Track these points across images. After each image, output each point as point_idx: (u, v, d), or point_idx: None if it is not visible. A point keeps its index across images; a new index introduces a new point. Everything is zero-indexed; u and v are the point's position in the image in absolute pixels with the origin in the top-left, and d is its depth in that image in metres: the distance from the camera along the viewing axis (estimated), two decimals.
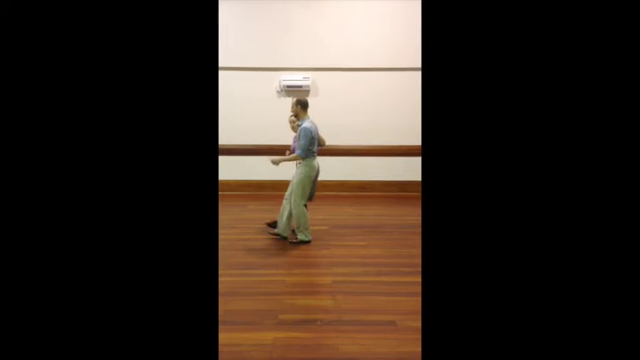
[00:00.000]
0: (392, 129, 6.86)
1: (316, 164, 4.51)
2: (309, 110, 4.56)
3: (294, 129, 4.69)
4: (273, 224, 4.95)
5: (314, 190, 4.70)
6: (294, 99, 4.54)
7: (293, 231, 4.76)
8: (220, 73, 6.66)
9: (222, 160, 6.59)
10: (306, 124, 4.39)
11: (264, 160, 4.75)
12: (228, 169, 6.87)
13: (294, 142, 4.71)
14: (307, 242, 4.53)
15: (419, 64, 6.11)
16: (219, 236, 4.66)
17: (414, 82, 6.65)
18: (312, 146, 4.39)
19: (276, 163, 4.52)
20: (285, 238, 4.62)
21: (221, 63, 6.58)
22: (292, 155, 4.50)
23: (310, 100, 6.76)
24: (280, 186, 6.96)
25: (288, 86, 6.74)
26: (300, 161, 4.49)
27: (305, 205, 4.58)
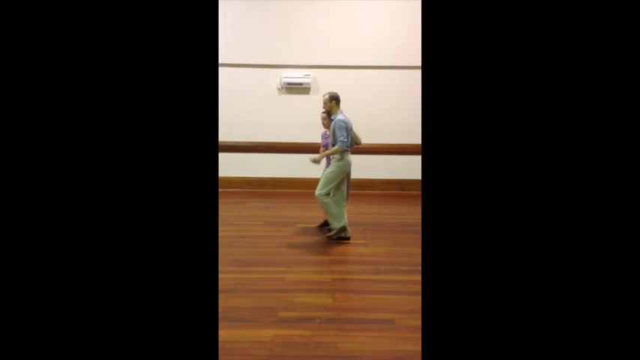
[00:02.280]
0: (392, 127, 6.85)
1: (350, 160, 4.46)
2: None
3: (325, 125, 4.63)
4: (324, 225, 4.87)
5: (348, 188, 4.65)
6: (327, 95, 4.48)
7: (321, 226, 4.78)
8: (221, 69, 6.64)
9: (222, 156, 6.58)
10: (339, 116, 4.37)
11: (305, 158, 4.69)
12: (228, 165, 6.86)
13: (325, 137, 4.67)
14: (345, 233, 4.51)
15: (420, 63, 6.11)
16: (220, 234, 4.66)
17: (415, 81, 6.63)
18: (347, 139, 4.35)
19: (317, 161, 4.49)
20: (348, 238, 4.56)
21: (222, 59, 6.57)
22: (334, 149, 4.36)
23: (311, 97, 6.81)
24: (280, 183, 6.98)
25: (288, 84, 6.73)
26: (334, 156, 4.43)
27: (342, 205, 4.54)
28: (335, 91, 4.60)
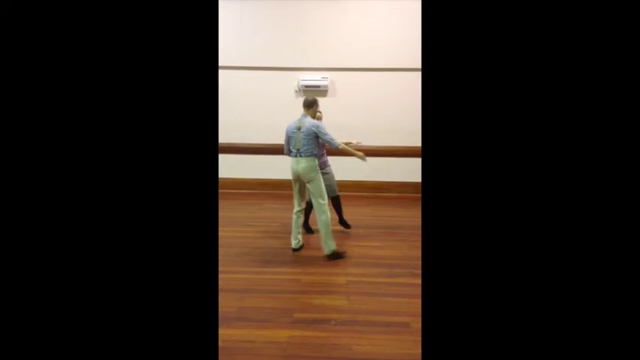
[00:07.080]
0: (409, 130, 6.83)
1: (292, 165, 4.28)
2: (313, 109, 4.40)
3: None
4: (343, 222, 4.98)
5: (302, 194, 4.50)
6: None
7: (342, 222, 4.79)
8: (239, 72, 6.73)
9: (239, 158, 6.67)
10: (314, 122, 4.22)
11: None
12: (246, 167, 6.93)
13: None
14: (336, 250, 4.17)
15: None
16: (236, 234, 4.71)
17: None
18: (287, 144, 4.24)
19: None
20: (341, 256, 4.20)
21: (240, 63, 6.65)
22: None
23: (328, 100, 6.83)
24: None
25: (306, 86, 6.77)
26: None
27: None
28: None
